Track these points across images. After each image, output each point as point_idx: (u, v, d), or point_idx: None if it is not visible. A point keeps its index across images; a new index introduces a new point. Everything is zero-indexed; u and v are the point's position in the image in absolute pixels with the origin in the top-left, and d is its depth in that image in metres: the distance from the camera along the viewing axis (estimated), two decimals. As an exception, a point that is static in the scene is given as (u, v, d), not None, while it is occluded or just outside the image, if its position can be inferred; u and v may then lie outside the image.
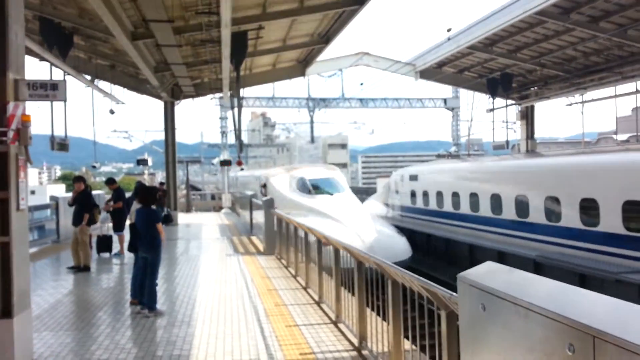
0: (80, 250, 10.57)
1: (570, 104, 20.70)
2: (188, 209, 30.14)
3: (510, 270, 2.97)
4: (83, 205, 10.78)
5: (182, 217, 23.61)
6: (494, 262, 3.25)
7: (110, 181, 13.44)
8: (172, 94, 20.99)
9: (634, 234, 8.39)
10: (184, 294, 8.35)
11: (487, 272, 2.94)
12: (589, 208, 9.42)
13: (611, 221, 8.84)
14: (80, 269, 10.36)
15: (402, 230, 16.36)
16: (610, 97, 19.11)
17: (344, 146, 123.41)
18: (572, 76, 19.03)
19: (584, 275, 8.53)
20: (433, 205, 15.77)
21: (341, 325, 6.30)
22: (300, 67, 21.76)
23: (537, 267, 9.63)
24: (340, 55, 25.07)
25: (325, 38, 17.55)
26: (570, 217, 9.80)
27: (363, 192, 55.37)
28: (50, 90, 5.28)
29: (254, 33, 15.21)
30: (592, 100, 19.96)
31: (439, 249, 13.74)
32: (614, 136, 24.32)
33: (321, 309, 7.21)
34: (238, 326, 6.43)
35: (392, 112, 33.81)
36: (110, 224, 12.53)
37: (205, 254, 12.76)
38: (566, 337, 2.00)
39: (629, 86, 18.03)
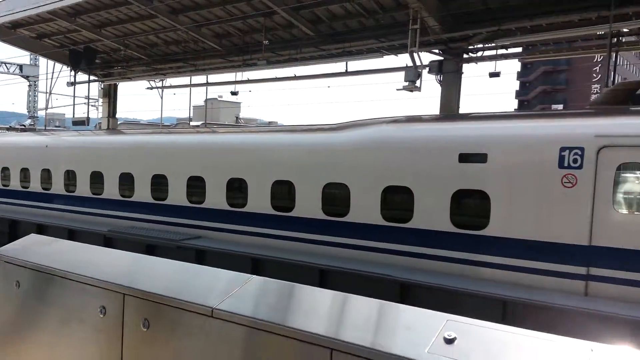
0: None
1: (151, 88, 21.79)
2: None
3: (55, 241, 2.80)
4: None
5: None
6: (38, 235, 3.03)
7: None
8: None
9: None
10: None
11: (27, 246, 2.70)
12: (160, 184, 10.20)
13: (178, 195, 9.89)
14: None
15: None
16: (186, 85, 21.16)
17: None
18: (154, 61, 19.97)
19: (153, 246, 9.12)
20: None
21: None
22: None
23: (108, 242, 9.69)
24: None
25: None
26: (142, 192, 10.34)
27: None
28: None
29: None
30: (171, 86, 21.62)
31: (3, 232, 11.97)
32: (190, 122, 27.25)
33: None
34: None
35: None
36: None
37: None
38: (98, 300, 2.00)
39: (202, 78, 20.43)
